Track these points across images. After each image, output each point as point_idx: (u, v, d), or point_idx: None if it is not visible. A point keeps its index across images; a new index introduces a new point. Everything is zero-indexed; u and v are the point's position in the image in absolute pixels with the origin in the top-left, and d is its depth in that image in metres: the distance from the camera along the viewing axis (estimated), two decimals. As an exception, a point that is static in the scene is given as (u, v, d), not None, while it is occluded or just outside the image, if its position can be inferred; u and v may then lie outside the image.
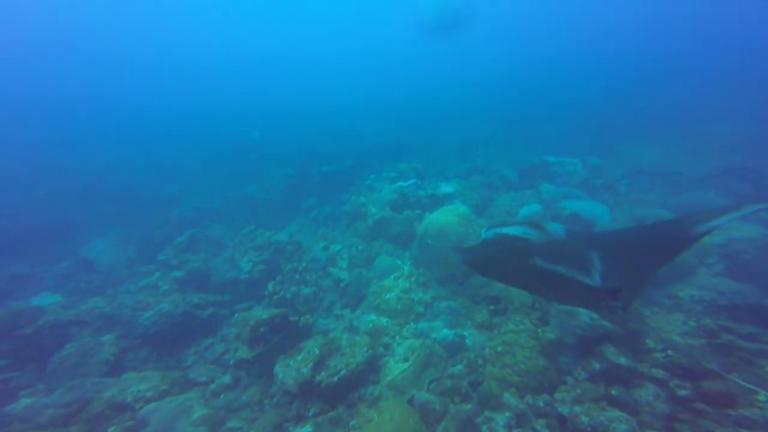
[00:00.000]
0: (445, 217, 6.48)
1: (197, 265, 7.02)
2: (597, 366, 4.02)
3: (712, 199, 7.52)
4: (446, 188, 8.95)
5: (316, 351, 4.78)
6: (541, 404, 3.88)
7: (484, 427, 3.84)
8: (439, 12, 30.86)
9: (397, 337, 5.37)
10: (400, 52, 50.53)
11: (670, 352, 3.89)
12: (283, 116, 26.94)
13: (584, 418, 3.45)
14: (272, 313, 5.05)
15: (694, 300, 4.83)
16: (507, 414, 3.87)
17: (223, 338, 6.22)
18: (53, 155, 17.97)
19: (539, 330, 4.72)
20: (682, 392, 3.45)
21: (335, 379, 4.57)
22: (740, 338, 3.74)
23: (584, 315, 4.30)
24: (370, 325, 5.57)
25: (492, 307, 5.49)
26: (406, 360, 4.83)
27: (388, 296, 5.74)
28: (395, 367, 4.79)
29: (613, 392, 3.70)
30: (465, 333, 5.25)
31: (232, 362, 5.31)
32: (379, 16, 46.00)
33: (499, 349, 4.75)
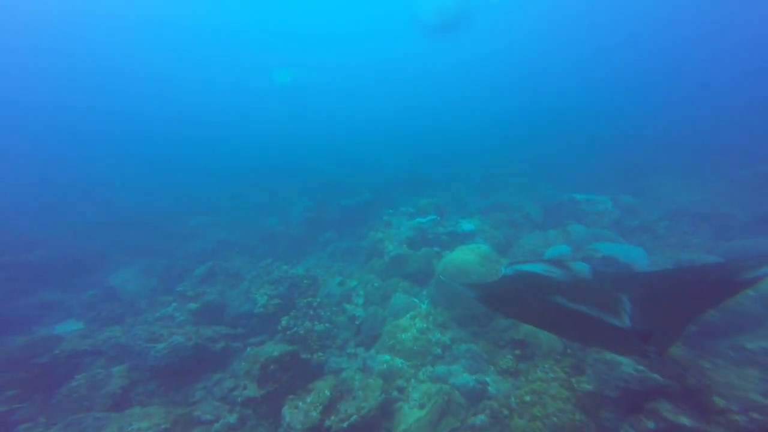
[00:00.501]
0: (466, 256, 6.28)
1: (213, 297, 7.04)
2: (651, 425, 3.45)
3: (768, 246, 6.76)
4: (467, 225, 8.78)
5: (327, 393, 4.49)
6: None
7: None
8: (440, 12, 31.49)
9: (412, 380, 4.99)
10: (422, 82, 51.86)
11: (754, 414, 3.30)
12: (304, 145, 28.30)
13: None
14: (283, 350, 4.87)
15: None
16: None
17: (233, 373, 6.00)
18: (95, 191, 19.55)
19: (573, 380, 4.26)
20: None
21: (345, 425, 4.22)
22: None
23: (628, 365, 3.84)
24: (384, 366, 5.23)
25: (518, 352, 5.06)
26: (422, 406, 4.43)
27: (403, 336, 5.44)
28: (410, 414, 4.38)
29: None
30: (487, 379, 4.82)
31: (239, 400, 5.04)
32: (401, 46, 46.07)
33: (527, 398, 4.29)
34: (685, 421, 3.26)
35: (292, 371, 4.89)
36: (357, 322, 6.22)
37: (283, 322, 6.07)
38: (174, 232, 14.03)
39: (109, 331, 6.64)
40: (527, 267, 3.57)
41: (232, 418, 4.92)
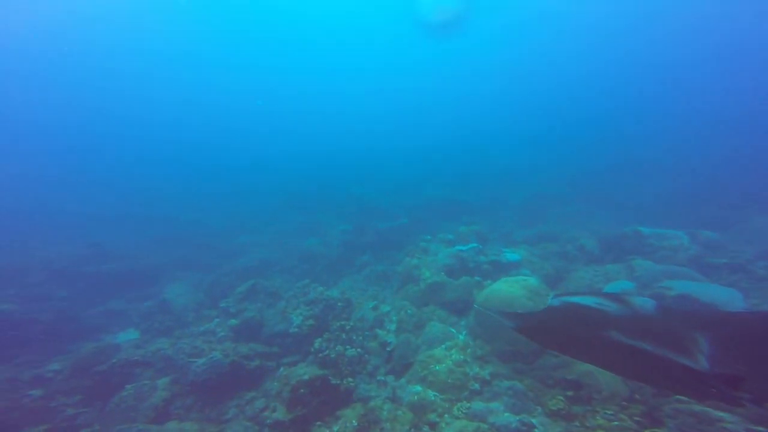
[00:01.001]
0: (510, 288, 5.80)
1: (252, 314, 7.27)
2: None
3: None
4: (512, 255, 8.22)
5: (354, 423, 4.28)
6: None
7: None
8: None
9: (446, 416, 4.58)
10: (464, 104, 51.25)
11: None
12: (344, 167, 29.32)
13: None
14: (314, 374, 4.80)
15: None
16: None
17: (265, 393, 6.01)
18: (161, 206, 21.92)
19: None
20: None
21: (372, 461, 3.94)
22: None
23: (733, 423, 3.17)
24: (415, 398, 4.89)
25: (570, 393, 4.45)
26: (457, 450, 4.01)
27: (438, 368, 5.09)
28: (444, 458, 3.98)
29: None
30: (534, 421, 4.26)
31: (269, 422, 5.00)
32: (439, 67, 44.83)
33: (582, 452, 3.69)
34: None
35: (322, 396, 4.77)
36: (388, 349, 5.98)
37: (316, 344, 6.04)
38: (222, 249, 15.07)
39: (159, 342, 7.11)
40: (577, 299, 3.20)
41: (261, 441, 4.87)
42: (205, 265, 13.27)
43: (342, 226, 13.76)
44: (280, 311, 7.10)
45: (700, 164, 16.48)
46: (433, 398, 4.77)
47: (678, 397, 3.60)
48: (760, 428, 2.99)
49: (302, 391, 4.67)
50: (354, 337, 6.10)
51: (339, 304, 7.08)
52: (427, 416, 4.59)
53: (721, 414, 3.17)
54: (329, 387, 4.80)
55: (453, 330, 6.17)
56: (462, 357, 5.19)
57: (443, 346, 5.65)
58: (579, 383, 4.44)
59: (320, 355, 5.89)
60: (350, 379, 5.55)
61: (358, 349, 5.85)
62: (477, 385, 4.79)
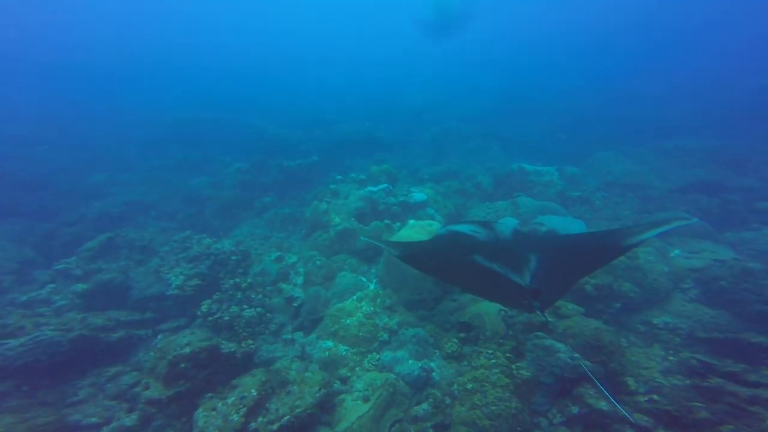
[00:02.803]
0: (417, 235, 5.80)
1: (111, 275, 5.62)
2: (575, 410, 3.64)
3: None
4: (419, 196, 8.35)
5: (254, 392, 3.81)
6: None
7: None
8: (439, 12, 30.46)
9: (357, 369, 4.57)
10: (382, 42, 49.86)
11: (655, 396, 3.56)
12: (247, 102, 25.08)
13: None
14: (198, 345, 3.98)
15: (669, 328, 4.64)
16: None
17: (137, 366, 4.96)
18: None
19: (513, 366, 4.19)
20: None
21: (275, 427, 3.63)
22: (728, 381, 3.48)
23: (563, 353, 3.86)
24: (326, 353, 4.70)
25: (462, 335, 4.90)
26: (366, 399, 4.04)
27: (348, 321, 4.92)
28: (353, 409, 3.97)
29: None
30: (432, 364, 4.60)
31: (143, 399, 4.11)
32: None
33: (469, 386, 4.15)
34: (603, 406, 3.47)
35: (211, 367, 4.08)
36: (295, 305, 5.51)
37: (204, 307, 5.09)
38: (66, 189, 11.28)
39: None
40: (457, 227, 3.82)
41: (130, 420, 4.00)
42: (39, 210, 9.78)
43: (238, 164, 11.73)
44: (153, 270, 5.68)
45: (577, 107, 19.66)
46: (344, 353, 4.64)
47: (537, 333, 4.28)
48: (576, 354, 3.78)
49: (183, 365, 3.87)
50: (253, 296, 5.37)
51: (233, 257, 6.04)
52: (339, 371, 4.46)
53: (558, 345, 3.89)
54: (220, 357, 4.12)
55: (364, 279, 6.04)
56: (372, 308, 5.12)
57: (354, 297, 5.48)
58: (470, 325, 4.90)
59: (210, 318, 5.03)
60: (250, 341, 4.95)
61: (258, 309, 5.19)
62: (386, 336, 4.84)
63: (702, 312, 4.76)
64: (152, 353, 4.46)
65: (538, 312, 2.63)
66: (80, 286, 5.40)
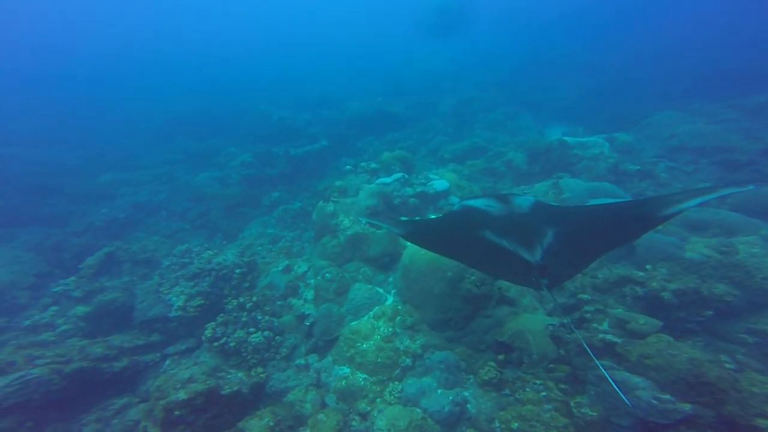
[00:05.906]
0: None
1: (113, 296, 5.26)
2: None
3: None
4: (440, 183, 7.36)
5: (260, 443, 3.31)
6: None
7: None
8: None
9: (378, 401, 4.00)
10: (391, 13, 46.39)
11: None
12: (253, 87, 24.30)
13: None
14: (192, 391, 3.48)
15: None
16: None
17: (145, 396, 4.64)
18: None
19: (572, 402, 3.46)
20: None
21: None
22: None
23: (644, 390, 3.05)
24: (343, 383, 4.16)
25: (501, 357, 4.19)
26: (389, 442, 3.47)
27: (365, 346, 4.31)
28: (375, 457, 3.42)
29: None
30: (466, 394, 3.95)
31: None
32: None
33: (515, 425, 3.47)
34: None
35: (212, 411, 3.61)
36: (307, 323, 4.96)
37: (208, 332, 4.63)
38: (77, 193, 11.14)
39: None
40: (471, 202, 3.55)
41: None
42: (53, 216, 9.68)
43: (242, 157, 11.13)
44: (153, 290, 5.25)
45: (616, 61, 17.12)
46: (362, 383, 4.07)
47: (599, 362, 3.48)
48: (666, 396, 2.95)
49: (178, 413, 3.40)
50: (259, 317, 4.84)
51: (237, 270, 5.52)
52: (357, 405, 3.91)
53: (636, 380, 3.08)
54: (220, 399, 3.63)
55: (380, 290, 5.37)
56: (391, 329, 4.47)
57: (371, 313, 4.84)
58: (510, 346, 4.16)
59: (215, 344, 4.56)
60: (260, 369, 4.48)
61: (266, 332, 4.67)
62: (409, 361, 4.21)
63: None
64: (152, 390, 4.06)
65: (545, 289, 2.38)
66: (81, 309, 5.08)
